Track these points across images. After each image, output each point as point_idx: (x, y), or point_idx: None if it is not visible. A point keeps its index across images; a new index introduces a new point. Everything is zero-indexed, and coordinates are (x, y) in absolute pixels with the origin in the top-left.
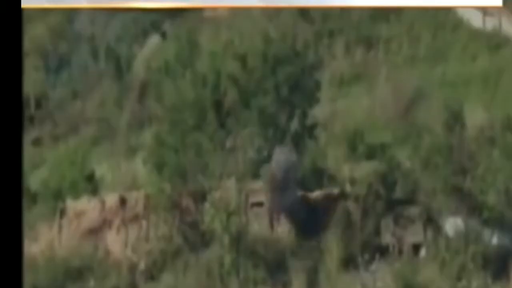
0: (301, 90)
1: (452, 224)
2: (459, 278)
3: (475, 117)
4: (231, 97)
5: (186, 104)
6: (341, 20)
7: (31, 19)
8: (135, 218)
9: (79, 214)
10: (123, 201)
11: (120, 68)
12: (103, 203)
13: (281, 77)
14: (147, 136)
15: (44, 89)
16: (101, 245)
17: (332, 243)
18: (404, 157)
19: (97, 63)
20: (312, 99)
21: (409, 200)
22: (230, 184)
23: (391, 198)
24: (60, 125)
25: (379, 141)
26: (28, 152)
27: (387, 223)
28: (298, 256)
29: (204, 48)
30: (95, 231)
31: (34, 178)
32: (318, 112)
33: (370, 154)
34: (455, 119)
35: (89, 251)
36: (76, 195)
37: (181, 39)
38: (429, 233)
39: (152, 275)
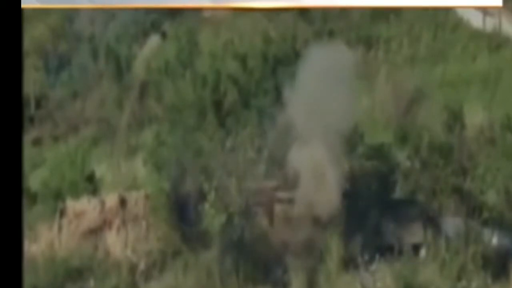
0: None
1: (452, 224)
2: (459, 278)
3: (475, 117)
4: (231, 97)
5: (186, 104)
6: (341, 20)
7: (31, 19)
8: (135, 218)
9: (79, 214)
10: (123, 201)
11: (120, 68)
12: (103, 203)
13: (281, 77)
14: (147, 136)
15: (44, 89)
16: (101, 245)
17: (332, 243)
18: (404, 157)
19: (97, 63)
20: None
21: (409, 200)
22: (230, 184)
23: (391, 198)
24: (60, 125)
25: (379, 141)
26: (28, 152)
27: (387, 223)
28: (298, 256)
29: (204, 48)
30: (95, 231)
31: (34, 178)
32: None
33: (370, 154)
34: (455, 119)
35: (89, 251)
36: (76, 195)
37: (181, 39)
38: (429, 233)
39: (152, 275)
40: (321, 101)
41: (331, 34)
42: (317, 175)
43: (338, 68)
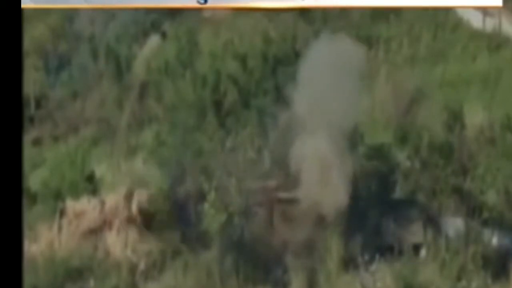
0: None
1: (452, 224)
2: (459, 278)
3: (475, 117)
4: (231, 97)
5: (186, 104)
6: (341, 20)
7: (31, 19)
8: (135, 218)
9: (79, 214)
10: (123, 201)
11: (120, 68)
12: (103, 203)
13: (281, 77)
14: (147, 136)
15: (44, 89)
16: (101, 245)
17: (332, 243)
18: (404, 157)
19: (97, 63)
20: None
21: (409, 200)
22: (230, 184)
23: (391, 198)
24: (60, 125)
25: (379, 141)
26: (28, 152)
27: (387, 223)
28: (298, 256)
29: (204, 48)
30: (95, 231)
31: (34, 178)
32: None
33: (370, 154)
34: (455, 119)
35: (89, 251)
36: (76, 195)
37: (181, 39)
38: (429, 233)
39: (152, 275)
40: (325, 96)
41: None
42: (322, 174)
43: (343, 61)
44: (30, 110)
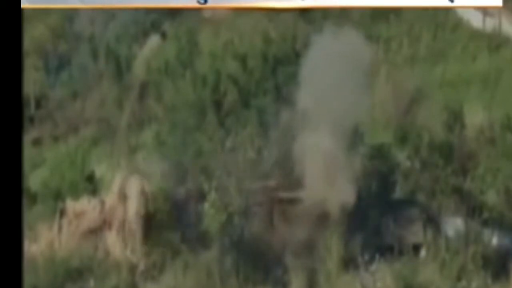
0: None
1: (452, 224)
2: (459, 278)
3: (475, 117)
4: (231, 97)
5: (186, 104)
6: (341, 20)
7: (31, 19)
8: (135, 218)
9: (79, 215)
10: (123, 201)
11: (120, 68)
12: (103, 203)
13: (281, 77)
14: (147, 136)
15: (44, 89)
16: (101, 245)
17: (332, 243)
18: (404, 157)
19: (97, 63)
20: None
21: (409, 200)
22: (230, 184)
23: (391, 198)
24: (60, 125)
25: (379, 141)
26: (28, 152)
27: (387, 223)
28: (298, 256)
29: (204, 48)
30: (95, 231)
31: (34, 178)
32: None
33: (370, 154)
34: (455, 119)
35: (89, 251)
36: (76, 195)
37: (181, 39)
38: (429, 233)
39: (152, 275)
40: (328, 91)
41: None
42: (326, 172)
43: (346, 54)
44: (30, 110)
